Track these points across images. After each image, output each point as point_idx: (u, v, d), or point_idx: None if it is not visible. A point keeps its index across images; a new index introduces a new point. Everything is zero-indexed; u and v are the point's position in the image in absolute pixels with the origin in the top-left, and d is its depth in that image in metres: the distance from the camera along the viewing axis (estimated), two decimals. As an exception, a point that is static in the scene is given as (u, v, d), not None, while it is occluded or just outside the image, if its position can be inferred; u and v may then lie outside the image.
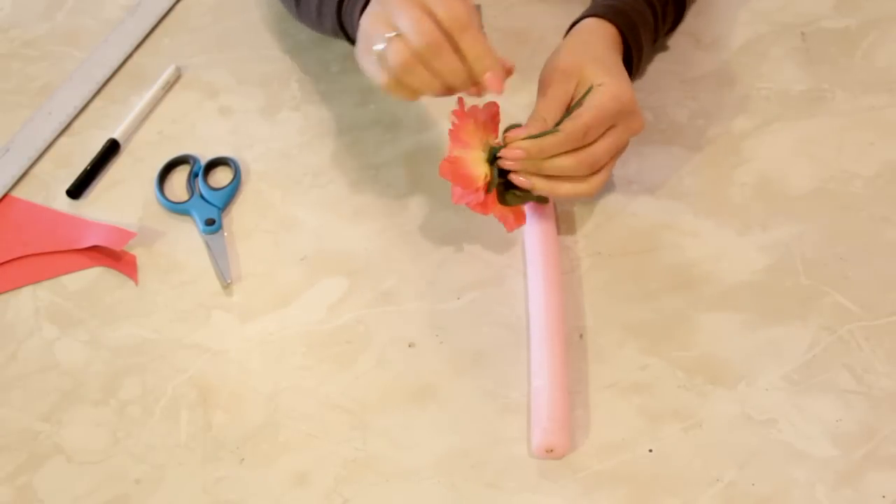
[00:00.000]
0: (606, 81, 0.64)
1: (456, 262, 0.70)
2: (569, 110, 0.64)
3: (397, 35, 0.59)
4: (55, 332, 0.69)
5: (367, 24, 0.63)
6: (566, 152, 0.63)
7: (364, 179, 0.76)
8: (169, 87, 0.84)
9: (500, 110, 0.66)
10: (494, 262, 0.70)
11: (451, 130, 0.63)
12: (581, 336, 0.65)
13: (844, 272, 0.67)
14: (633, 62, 0.71)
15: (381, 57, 0.61)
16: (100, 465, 0.62)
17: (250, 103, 0.82)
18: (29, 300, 0.71)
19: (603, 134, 0.64)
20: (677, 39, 0.82)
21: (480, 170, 0.64)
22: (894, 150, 0.74)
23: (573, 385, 0.63)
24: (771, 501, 0.58)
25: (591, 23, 0.70)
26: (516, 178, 0.64)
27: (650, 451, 0.60)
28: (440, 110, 0.78)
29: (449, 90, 0.62)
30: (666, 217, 0.71)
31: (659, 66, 0.80)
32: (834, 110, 0.77)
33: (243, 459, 0.62)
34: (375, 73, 0.62)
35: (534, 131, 0.63)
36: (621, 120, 0.64)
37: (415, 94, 0.62)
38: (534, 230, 0.68)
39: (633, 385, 0.63)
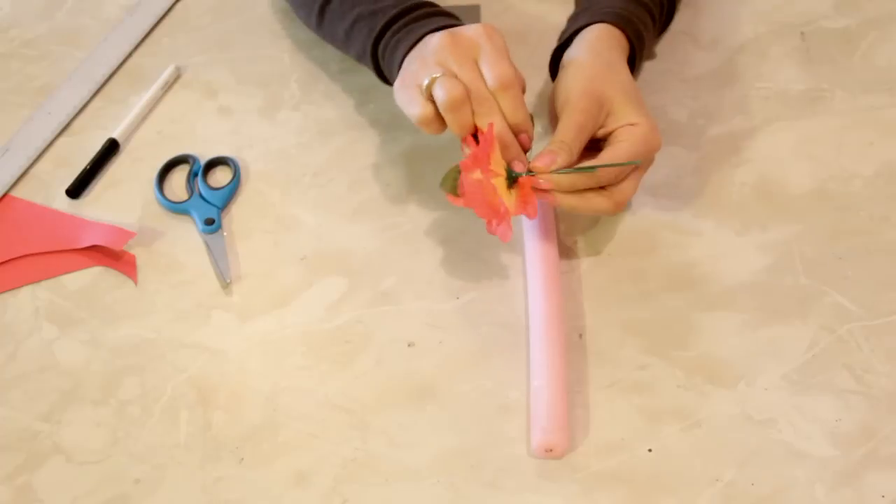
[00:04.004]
0: (640, 122, 0.64)
1: (455, 262, 0.70)
2: (595, 139, 0.65)
3: (450, 74, 0.63)
4: (54, 332, 0.69)
5: (417, 64, 0.65)
6: (599, 191, 0.64)
7: (364, 179, 0.76)
8: (168, 86, 0.84)
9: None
10: (494, 262, 0.70)
11: (473, 154, 0.61)
12: (581, 336, 0.65)
13: (844, 272, 0.67)
14: (635, 71, 0.71)
15: (428, 89, 0.63)
16: (99, 464, 0.62)
17: (250, 103, 0.82)
18: (28, 300, 0.71)
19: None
20: (677, 39, 0.83)
21: (507, 198, 0.62)
22: (894, 150, 0.74)
23: (573, 385, 0.63)
24: (770, 501, 0.58)
25: (606, 32, 0.69)
26: (546, 196, 0.63)
27: (650, 450, 0.60)
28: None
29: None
30: (666, 217, 0.71)
31: (659, 66, 0.80)
32: (833, 110, 0.77)
33: (243, 459, 0.62)
34: (415, 104, 0.64)
35: (561, 161, 0.62)
36: (644, 158, 0.65)
37: (442, 130, 0.64)
38: (533, 230, 0.68)
39: (633, 385, 0.63)
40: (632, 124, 0.64)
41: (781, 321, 0.65)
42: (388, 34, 0.70)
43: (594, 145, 0.66)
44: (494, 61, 0.63)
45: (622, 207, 0.65)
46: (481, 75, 0.63)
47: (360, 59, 0.75)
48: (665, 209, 0.72)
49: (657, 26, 0.75)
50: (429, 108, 0.63)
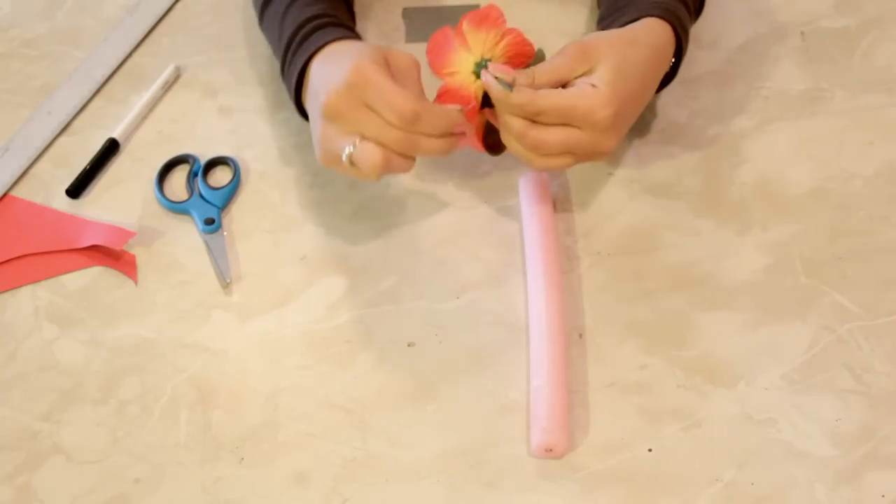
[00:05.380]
0: (603, 91, 0.61)
1: (455, 262, 0.70)
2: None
3: (362, 140, 0.60)
4: (54, 332, 0.69)
5: (321, 137, 0.62)
6: (521, 116, 0.61)
7: (363, 179, 0.76)
8: (168, 86, 0.84)
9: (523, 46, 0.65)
10: (494, 262, 0.70)
11: (465, 18, 0.63)
12: (581, 336, 0.65)
13: (844, 272, 0.67)
14: (679, 65, 0.70)
15: (353, 161, 0.60)
16: (99, 464, 0.62)
17: (250, 103, 0.82)
18: (28, 300, 0.71)
19: (562, 125, 0.62)
20: (677, 39, 0.82)
21: (466, 72, 0.63)
22: (893, 150, 0.74)
23: (573, 384, 0.63)
24: (770, 501, 0.58)
25: (655, 25, 0.67)
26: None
27: (649, 450, 0.60)
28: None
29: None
30: (666, 217, 0.71)
31: (658, 66, 0.80)
32: (833, 110, 0.77)
33: (242, 459, 0.62)
34: (350, 173, 0.62)
35: (518, 80, 0.61)
36: (588, 129, 0.62)
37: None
38: (533, 229, 0.68)
39: (633, 384, 0.63)
40: (593, 85, 0.61)
41: (781, 321, 0.65)
42: (286, 66, 0.70)
43: None
44: (383, 104, 0.58)
45: (538, 151, 0.62)
46: (385, 120, 0.59)
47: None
48: (665, 209, 0.72)
49: (692, 18, 0.74)
50: (364, 175, 0.61)
